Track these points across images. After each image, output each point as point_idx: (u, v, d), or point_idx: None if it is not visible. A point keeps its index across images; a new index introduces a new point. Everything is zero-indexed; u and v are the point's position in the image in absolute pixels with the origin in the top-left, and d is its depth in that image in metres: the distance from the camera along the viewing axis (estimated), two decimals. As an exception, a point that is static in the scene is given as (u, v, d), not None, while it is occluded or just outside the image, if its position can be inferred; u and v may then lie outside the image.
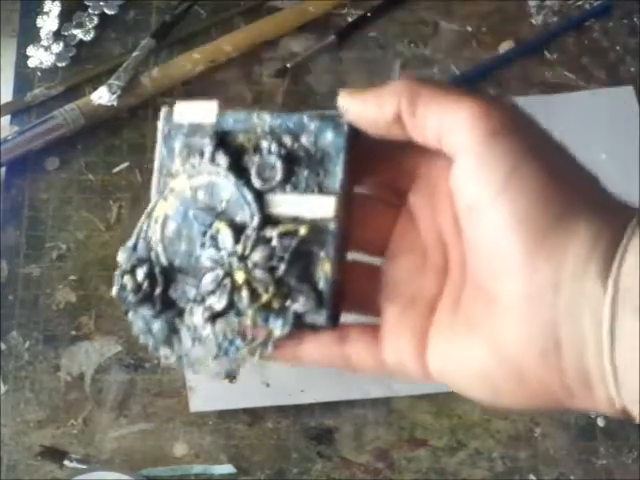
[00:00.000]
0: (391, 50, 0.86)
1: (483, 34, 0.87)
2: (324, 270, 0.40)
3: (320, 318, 0.41)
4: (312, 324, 0.41)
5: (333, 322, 0.41)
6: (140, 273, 0.43)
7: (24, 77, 0.83)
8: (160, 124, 0.43)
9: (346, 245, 0.42)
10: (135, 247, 0.43)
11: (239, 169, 0.41)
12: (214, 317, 0.41)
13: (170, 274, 0.43)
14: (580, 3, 0.89)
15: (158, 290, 0.42)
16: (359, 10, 0.87)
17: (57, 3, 0.85)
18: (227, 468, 0.69)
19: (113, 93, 0.79)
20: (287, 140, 0.41)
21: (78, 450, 0.69)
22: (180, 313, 0.43)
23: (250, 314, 0.41)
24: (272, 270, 0.40)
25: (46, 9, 0.85)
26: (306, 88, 0.83)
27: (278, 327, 0.41)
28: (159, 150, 0.43)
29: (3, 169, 0.79)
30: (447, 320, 0.40)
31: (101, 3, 0.86)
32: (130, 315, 0.43)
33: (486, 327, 0.37)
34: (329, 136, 0.41)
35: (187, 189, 0.42)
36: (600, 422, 0.70)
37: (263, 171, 0.41)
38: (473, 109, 0.37)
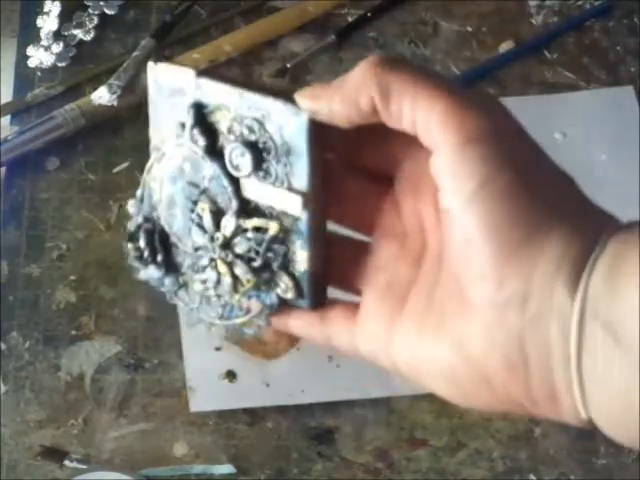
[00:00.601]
0: (391, 50, 0.86)
1: (483, 34, 0.87)
2: (301, 261, 0.40)
3: (301, 303, 0.41)
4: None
5: (315, 306, 0.41)
6: (141, 240, 0.43)
7: (24, 77, 0.83)
8: (149, 79, 0.42)
9: (324, 231, 0.41)
10: (142, 200, 0.43)
11: (216, 150, 0.40)
12: (214, 287, 0.42)
13: (169, 238, 0.43)
14: (580, 3, 0.89)
15: (160, 257, 0.43)
16: (359, 10, 0.87)
17: (57, 3, 0.85)
18: (227, 468, 0.69)
19: (113, 93, 0.79)
20: (255, 127, 0.39)
21: (78, 450, 0.69)
22: (185, 274, 0.43)
23: (236, 297, 0.41)
24: (252, 260, 0.41)
25: (46, 9, 0.85)
26: (306, 88, 0.83)
27: (267, 304, 0.41)
28: (150, 105, 0.42)
29: (3, 169, 0.79)
30: (418, 312, 0.39)
31: (101, 3, 0.86)
32: (141, 273, 0.44)
33: (455, 328, 0.37)
34: (292, 129, 0.39)
35: (176, 157, 0.42)
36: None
37: (235, 158, 0.40)
38: (446, 110, 0.36)
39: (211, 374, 0.70)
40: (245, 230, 0.40)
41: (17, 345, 0.72)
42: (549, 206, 0.36)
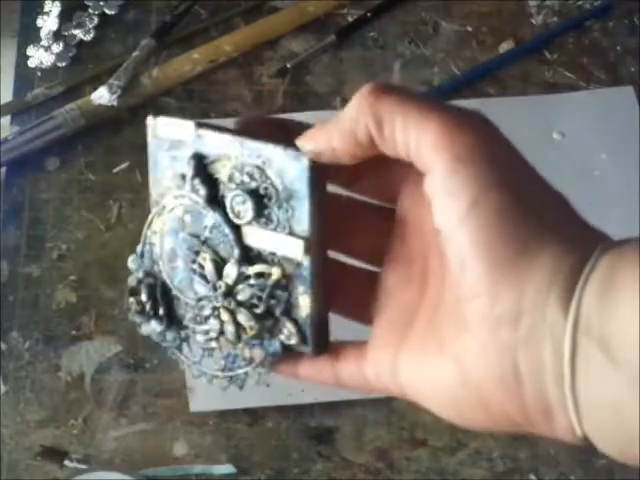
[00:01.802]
0: (391, 50, 0.86)
1: (483, 34, 0.87)
2: (304, 306, 0.41)
3: (305, 349, 0.41)
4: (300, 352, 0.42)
5: (319, 351, 0.42)
6: (143, 294, 0.44)
7: (24, 77, 0.83)
8: (148, 135, 0.42)
9: (326, 276, 0.41)
10: (142, 255, 0.44)
11: (217, 199, 0.41)
12: (213, 339, 0.42)
13: (171, 291, 0.43)
14: (580, 3, 0.89)
15: (161, 311, 0.43)
16: (359, 10, 0.87)
17: (57, 3, 0.85)
18: (227, 468, 0.69)
19: (113, 93, 0.79)
20: (256, 174, 0.40)
21: (78, 450, 0.69)
22: (185, 328, 0.44)
23: (240, 346, 0.42)
24: (254, 307, 0.41)
25: (46, 9, 0.85)
26: (306, 88, 0.83)
27: (271, 352, 0.42)
28: (149, 160, 0.43)
29: (3, 169, 0.79)
30: (422, 335, 0.39)
31: (101, 3, 0.86)
32: (143, 328, 0.44)
33: (453, 348, 0.37)
34: (293, 174, 0.39)
35: (176, 209, 0.42)
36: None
37: (236, 205, 0.40)
38: (436, 131, 0.36)
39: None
40: (247, 277, 0.41)
41: (17, 345, 0.72)
42: (541, 223, 0.36)
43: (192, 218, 0.41)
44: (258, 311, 0.41)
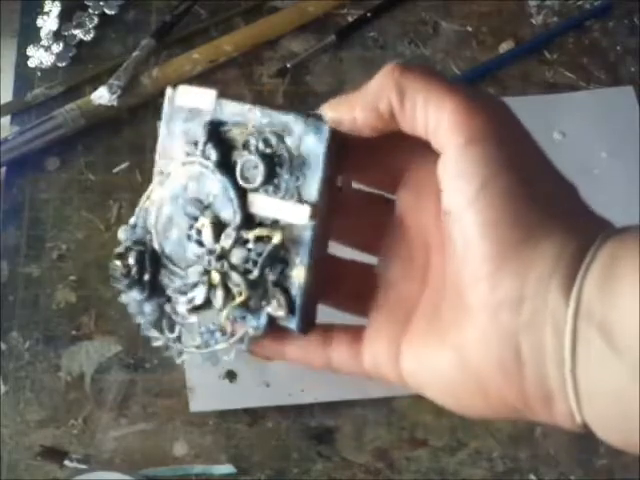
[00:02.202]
0: (391, 50, 0.86)
1: (483, 34, 0.87)
2: (298, 277, 0.41)
3: (291, 324, 0.41)
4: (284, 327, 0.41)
5: (304, 329, 0.41)
6: (131, 257, 0.43)
7: (24, 77, 0.83)
8: (165, 105, 0.43)
9: (324, 252, 0.42)
10: (135, 227, 0.44)
11: (227, 165, 0.41)
12: (196, 309, 0.42)
13: (160, 260, 0.43)
14: (580, 3, 0.89)
15: (146, 276, 0.43)
16: (359, 10, 0.87)
17: (57, 3, 0.85)
18: (227, 468, 0.69)
19: (113, 93, 0.79)
20: (272, 140, 0.40)
21: (78, 450, 0.69)
22: (169, 299, 0.43)
23: (225, 313, 0.41)
24: (248, 272, 0.41)
25: (46, 9, 0.85)
26: (306, 88, 0.83)
27: (252, 327, 0.41)
28: (161, 131, 0.43)
29: (3, 169, 0.79)
30: (423, 325, 0.40)
31: (101, 3, 0.86)
32: (123, 296, 0.44)
33: (455, 334, 0.37)
34: (311, 142, 0.40)
35: (181, 176, 0.42)
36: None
37: (247, 170, 0.41)
38: (454, 111, 0.37)
39: (211, 374, 0.70)
40: (246, 242, 0.41)
41: (17, 345, 0.72)
42: (547, 209, 0.36)
43: (197, 184, 0.42)
44: (251, 277, 0.40)
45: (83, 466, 0.68)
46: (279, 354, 0.43)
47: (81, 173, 0.79)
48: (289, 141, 0.40)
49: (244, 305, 0.41)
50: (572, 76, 0.85)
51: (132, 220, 0.44)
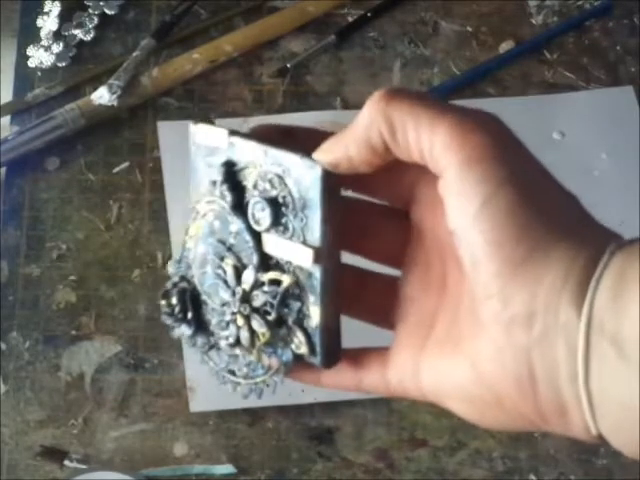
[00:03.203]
0: (391, 50, 0.86)
1: (483, 34, 0.87)
2: (314, 315, 0.41)
3: (314, 360, 0.42)
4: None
5: (327, 363, 0.42)
6: (173, 297, 0.44)
7: (24, 77, 0.83)
8: (190, 141, 0.43)
9: (339, 287, 0.41)
10: (180, 261, 0.44)
11: (241, 205, 0.41)
12: (234, 345, 0.43)
13: (200, 296, 0.44)
14: (580, 3, 0.89)
15: (189, 314, 0.44)
16: (359, 10, 0.87)
17: (57, 3, 0.85)
18: (227, 468, 0.69)
19: (113, 93, 0.79)
20: (276, 182, 0.40)
21: (78, 450, 0.69)
22: (213, 334, 0.44)
23: (254, 353, 0.42)
24: (267, 313, 0.41)
25: (46, 9, 0.85)
26: (306, 88, 0.83)
27: (284, 359, 0.42)
28: (190, 167, 0.43)
29: (3, 169, 0.79)
30: (442, 338, 0.40)
31: (101, 3, 0.86)
32: (175, 332, 0.45)
33: (469, 348, 0.38)
34: (307, 183, 0.39)
35: (208, 215, 0.42)
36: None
37: (257, 212, 0.41)
38: (447, 133, 0.36)
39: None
40: (262, 284, 0.41)
41: (17, 345, 0.72)
42: (551, 223, 0.36)
43: (220, 224, 0.42)
44: (270, 318, 0.41)
45: (83, 466, 0.68)
46: (314, 381, 0.43)
47: (81, 173, 0.79)
48: (289, 182, 0.40)
49: (268, 344, 0.42)
50: (572, 76, 0.85)
51: (178, 254, 0.44)
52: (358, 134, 0.38)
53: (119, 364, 0.72)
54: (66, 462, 0.68)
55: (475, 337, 0.37)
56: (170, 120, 0.80)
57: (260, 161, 0.41)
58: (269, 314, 0.41)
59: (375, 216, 0.43)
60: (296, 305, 0.41)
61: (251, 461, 0.69)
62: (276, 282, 0.41)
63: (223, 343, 0.43)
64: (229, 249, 0.42)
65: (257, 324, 0.41)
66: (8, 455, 0.68)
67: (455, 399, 0.39)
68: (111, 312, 0.73)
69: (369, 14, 0.87)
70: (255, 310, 0.41)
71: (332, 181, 0.39)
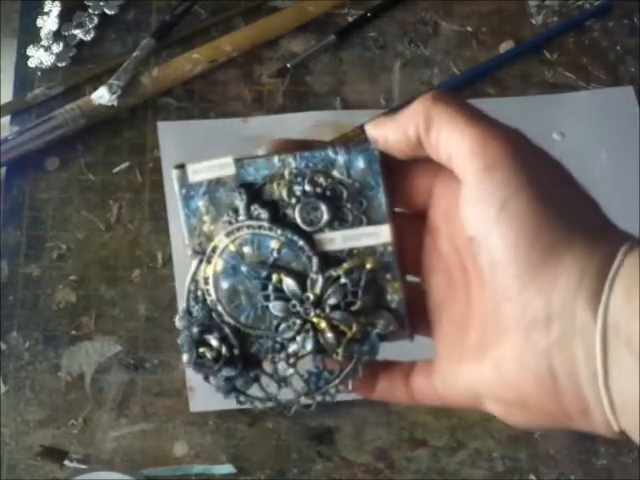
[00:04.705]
0: (391, 50, 0.86)
1: (483, 34, 0.87)
2: (394, 290, 0.42)
3: (402, 335, 0.42)
4: (394, 340, 0.42)
5: (412, 335, 0.43)
6: (213, 339, 0.43)
7: (24, 77, 0.83)
8: (175, 186, 0.43)
9: (403, 263, 0.43)
10: (190, 311, 0.43)
11: (279, 218, 0.42)
12: (299, 358, 0.43)
13: (240, 331, 0.43)
14: (580, 3, 0.89)
15: (237, 351, 0.43)
16: (359, 10, 0.87)
17: (57, 3, 0.85)
18: (227, 468, 0.69)
19: (113, 93, 0.79)
20: (320, 178, 0.41)
21: (78, 450, 0.69)
22: (258, 364, 0.43)
23: (340, 352, 0.42)
24: (348, 306, 0.41)
25: (46, 9, 0.85)
26: (306, 88, 0.83)
27: (365, 353, 0.42)
28: (182, 213, 0.43)
29: (3, 169, 0.79)
30: (475, 343, 0.40)
31: (101, 3, 0.86)
32: (211, 380, 0.44)
33: (493, 351, 0.38)
34: (361, 165, 0.41)
35: (230, 247, 0.42)
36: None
37: (307, 214, 0.41)
38: (472, 140, 0.38)
39: (211, 374, 0.70)
40: (337, 279, 0.41)
41: (17, 345, 0.72)
42: (568, 226, 0.37)
43: (253, 247, 0.42)
44: (354, 308, 0.41)
45: (83, 466, 0.68)
46: (368, 394, 0.44)
47: (81, 173, 0.79)
48: (336, 173, 0.41)
49: (354, 338, 0.42)
50: (572, 76, 0.85)
51: (183, 305, 0.43)
52: (399, 122, 0.40)
53: (119, 364, 0.72)
54: (66, 462, 0.68)
55: (498, 341, 0.38)
56: (170, 120, 0.80)
57: (289, 168, 0.41)
58: (353, 304, 0.41)
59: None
60: (373, 289, 0.41)
61: (251, 461, 0.69)
62: (351, 272, 0.41)
63: (282, 365, 0.43)
64: (273, 266, 0.42)
65: (340, 319, 0.41)
66: (8, 455, 0.68)
67: (489, 401, 0.40)
68: (111, 312, 0.73)
69: (369, 14, 0.87)
70: (334, 307, 0.41)
71: (383, 161, 0.41)
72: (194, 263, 0.43)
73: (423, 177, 0.42)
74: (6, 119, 0.81)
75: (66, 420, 0.70)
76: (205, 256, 0.43)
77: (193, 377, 0.70)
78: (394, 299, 0.42)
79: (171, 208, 0.77)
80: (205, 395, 0.70)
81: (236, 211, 0.42)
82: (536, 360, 0.36)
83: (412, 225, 0.43)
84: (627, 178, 0.78)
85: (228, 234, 0.42)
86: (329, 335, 0.42)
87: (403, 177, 0.42)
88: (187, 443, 0.69)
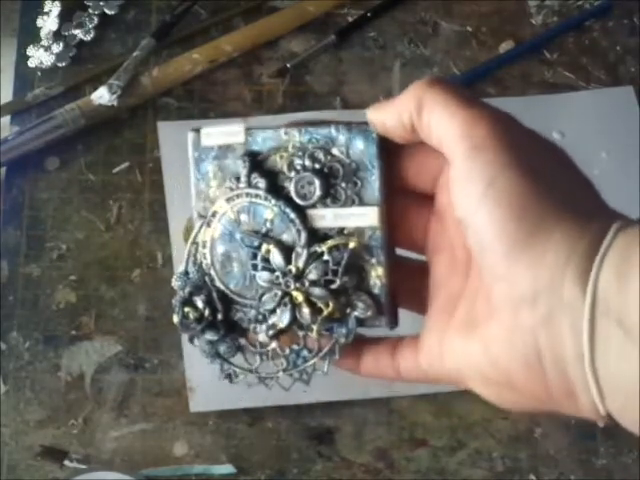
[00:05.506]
0: (391, 50, 0.86)
1: (483, 34, 0.87)
2: (377, 276, 0.42)
3: (380, 322, 0.42)
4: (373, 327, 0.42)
5: (392, 322, 0.43)
6: (199, 301, 0.44)
7: (24, 77, 0.83)
8: (189, 149, 0.43)
9: (392, 248, 0.43)
10: (187, 273, 0.44)
11: (277, 189, 0.42)
12: (278, 334, 0.43)
13: (227, 297, 0.44)
14: (580, 3, 0.89)
15: (220, 315, 0.44)
16: (359, 10, 0.87)
17: (57, 3, 0.85)
18: (227, 468, 0.69)
19: (113, 93, 0.79)
20: (320, 155, 0.42)
21: (78, 450, 0.69)
22: (243, 332, 0.44)
23: (315, 328, 0.42)
24: (328, 283, 0.41)
25: (46, 9, 0.85)
26: (306, 88, 0.83)
27: (342, 335, 0.42)
28: (193, 175, 0.44)
29: (3, 169, 0.79)
30: (462, 320, 0.40)
31: (101, 3, 0.86)
32: (195, 341, 0.44)
33: (482, 331, 0.38)
34: (360, 146, 0.41)
35: (229, 212, 0.43)
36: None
37: (302, 188, 0.42)
38: (462, 123, 0.38)
39: (211, 374, 0.70)
40: (319, 255, 0.41)
41: (17, 345, 0.72)
42: (557, 203, 0.36)
43: (249, 215, 0.42)
44: (333, 286, 0.41)
45: (83, 466, 0.68)
46: (354, 369, 0.44)
47: (81, 173, 0.79)
48: (336, 151, 0.42)
49: (331, 316, 0.42)
50: (572, 76, 0.85)
51: (182, 267, 0.44)
52: (395, 107, 0.41)
53: (119, 364, 0.72)
54: (66, 462, 0.68)
55: (487, 320, 0.38)
56: (170, 120, 0.80)
57: (293, 142, 0.42)
58: (332, 282, 0.41)
59: (400, 205, 0.44)
60: (355, 271, 0.41)
61: (251, 461, 0.69)
62: (336, 249, 0.41)
63: (262, 336, 0.43)
64: (265, 236, 0.42)
65: (319, 295, 0.41)
66: (8, 455, 0.68)
67: (474, 381, 0.39)
68: (111, 312, 0.73)
69: (369, 14, 0.87)
70: (314, 282, 0.41)
71: (382, 143, 0.42)
72: (196, 226, 0.43)
73: (431, 158, 0.42)
74: (6, 119, 0.81)
75: (66, 420, 0.70)
76: (206, 220, 0.43)
77: (193, 377, 0.70)
78: (376, 284, 0.42)
79: (171, 208, 0.77)
80: (205, 395, 0.70)
81: (238, 178, 0.42)
82: (522, 339, 0.36)
83: (421, 205, 0.43)
84: (627, 178, 0.78)
85: (228, 200, 0.43)
86: (305, 310, 0.42)
87: (411, 158, 0.42)
88: (187, 443, 0.69)
